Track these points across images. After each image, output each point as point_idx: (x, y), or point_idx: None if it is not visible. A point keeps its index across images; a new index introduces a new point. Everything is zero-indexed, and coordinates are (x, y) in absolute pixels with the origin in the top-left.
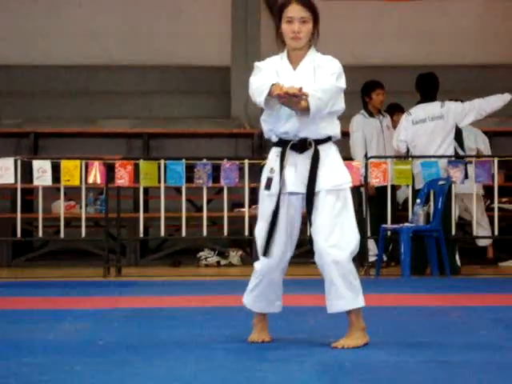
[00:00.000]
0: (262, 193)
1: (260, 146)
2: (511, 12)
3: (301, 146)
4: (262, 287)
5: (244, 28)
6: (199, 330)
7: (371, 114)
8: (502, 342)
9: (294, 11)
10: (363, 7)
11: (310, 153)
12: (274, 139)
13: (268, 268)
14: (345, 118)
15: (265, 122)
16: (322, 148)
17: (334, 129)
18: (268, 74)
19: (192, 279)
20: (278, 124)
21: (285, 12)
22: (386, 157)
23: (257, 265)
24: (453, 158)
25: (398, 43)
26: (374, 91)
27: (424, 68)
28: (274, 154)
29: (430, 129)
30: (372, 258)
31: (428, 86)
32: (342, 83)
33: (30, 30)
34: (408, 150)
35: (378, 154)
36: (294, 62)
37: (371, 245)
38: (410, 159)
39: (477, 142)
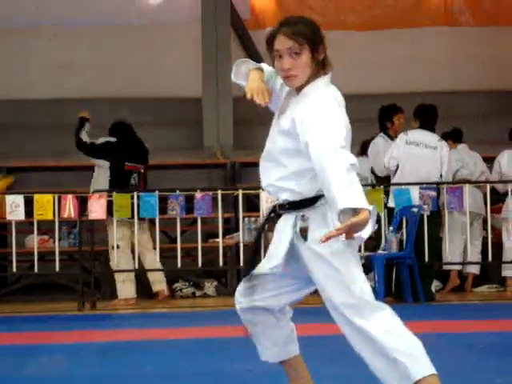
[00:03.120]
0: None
1: (233, 176)
2: (480, 39)
3: None
4: None
5: (215, 59)
6: (174, 363)
7: (391, 138)
8: (476, 367)
9: (281, 43)
10: (333, 36)
11: None
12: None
13: None
14: None
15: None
16: None
17: None
18: None
19: (167, 311)
20: None
21: (274, 45)
22: None
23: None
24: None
25: (367, 72)
26: (396, 115)
27: (394, 96)
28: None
29: (420, 154)
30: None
31: (430, 117)
32: None
33: (2, 63)
34: (396, 169)
35: None
36: None
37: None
38: (381, 187)
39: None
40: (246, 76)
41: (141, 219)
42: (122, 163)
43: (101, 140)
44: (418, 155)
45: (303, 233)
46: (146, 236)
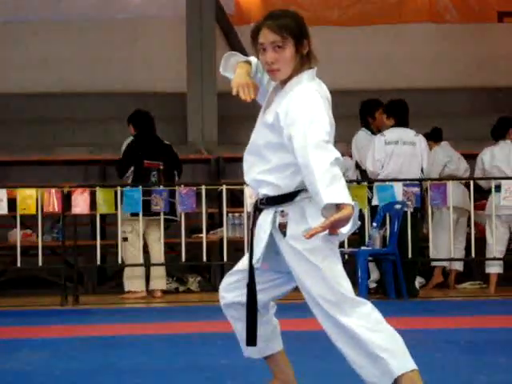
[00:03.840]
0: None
1: (217, 172)
2: (464, 36)
3: None
4: None
5: (199, 54)
6: (158, 358)
7: (373, 133)
8: (458, 363)
9: (265, 36)
10: (316, 32)
11: None
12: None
13: None
14: None
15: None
16: None
17: None
18: None
19: (151, 306)
20: None
21: (258, 38)
22: None
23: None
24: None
25: (352, 67)
26: (378, 110)
27: (378, 92)
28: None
29: (400, 152)
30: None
31: (403, 113)
32: None
33: None
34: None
35: None
36: None
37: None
38: (364, 183)
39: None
40: (234, 69)
41: (154, 215)
42: (141, 161)
43: (123, 148)
44: (399, 154)
45: (282, 228)
46: (158, 233)
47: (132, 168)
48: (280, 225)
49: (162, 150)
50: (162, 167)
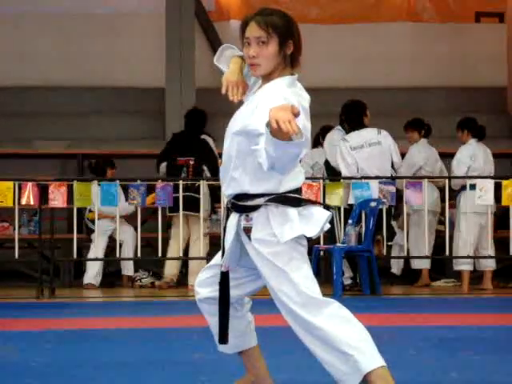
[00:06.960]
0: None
1: None
2: (442, 35)
3: None
4: None
5: (178, 50)
6: (133, 352)
7: (347, 132)
8: (431, 361)
9: (251, 30)
10: None
11: None
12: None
13: None
14: None
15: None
16: None
17: None
18: None
19: (126, 300)
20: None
21: (245, 32)
22: (317, 178)
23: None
24: (383, 179)
25: (330, 66)
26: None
27: (356, 90)
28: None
29: (368, 154)
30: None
31: (357, 114)
32: None
33: None
34: None
35: None
36: None
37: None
38: (341, 181)
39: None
40: (228, 61)
41: (191, 210)
42: (174, 159)
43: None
44: (366, 157)
45: (248, 232)
46: (195, 227)
47: (165, 164)
48: (245, 228)
49: (195, 146)
50: (192, 162)
